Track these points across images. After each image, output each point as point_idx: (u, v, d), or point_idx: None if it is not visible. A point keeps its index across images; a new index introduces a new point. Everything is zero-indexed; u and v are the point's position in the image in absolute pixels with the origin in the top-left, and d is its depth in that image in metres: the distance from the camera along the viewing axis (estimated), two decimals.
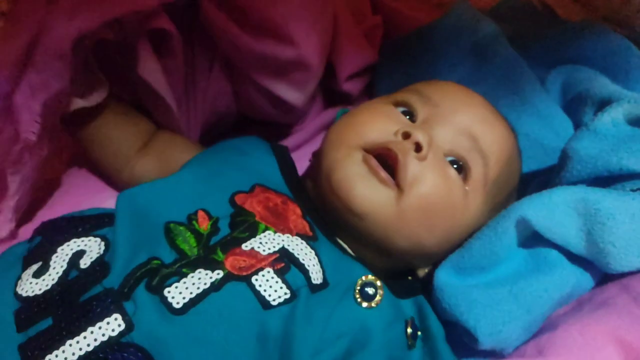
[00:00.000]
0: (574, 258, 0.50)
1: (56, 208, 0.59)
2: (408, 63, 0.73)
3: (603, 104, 0.61)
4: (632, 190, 0.50)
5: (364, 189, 0.47)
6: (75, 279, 0.43)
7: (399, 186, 0.47)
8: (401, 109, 0.52)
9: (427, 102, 0.52)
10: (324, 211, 0.50)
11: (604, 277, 0.51)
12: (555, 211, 0.48)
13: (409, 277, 0.54)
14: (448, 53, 0.72)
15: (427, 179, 0.47)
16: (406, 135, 0.48)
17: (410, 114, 0.52)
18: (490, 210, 0.52)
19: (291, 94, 0.62)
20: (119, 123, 0.60)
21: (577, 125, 0.65)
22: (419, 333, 0.47)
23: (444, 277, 0.49)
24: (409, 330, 0.46)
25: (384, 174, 0.47)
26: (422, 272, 0.54)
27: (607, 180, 0.52)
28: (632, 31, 0.75)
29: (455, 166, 0.49)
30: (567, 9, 0.83)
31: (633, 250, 0.48)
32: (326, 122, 0.71)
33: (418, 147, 0.47)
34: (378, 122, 0.50)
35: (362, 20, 0.75)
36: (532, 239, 0.50)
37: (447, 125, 0.50)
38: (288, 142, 0.68)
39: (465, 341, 0.49)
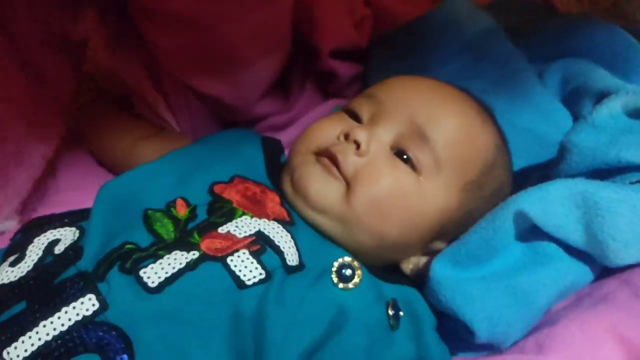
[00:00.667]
0: (572, 251, 0.49)
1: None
2: (401, 57, 0.73)
3: (602, 96, 0.60)
4: (631, 183, 0.50)
5: (318, 184, 0.50)
6: (50, 263, 0.44)
7: (346, 182, 0.49)
8: (350, 113, 0.55)
9: (373, 101, 0.54)
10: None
11: (603, 271, 0.50)
12: (553, 204, 0.47)
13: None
14: (443, 47, 0.72)
15: (369, 172, 0.49)
16: (347, 136, 0.51)
17: (357, 117, 0.54)
18: (461, 190, 0.52)
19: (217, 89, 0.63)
20: (126, 121, 0.65)
21: (577, 118, 0.64)
22: (401, 313, 0.47)
23: (440, 270, 0.48)
24: (390, 311, 0.46)
25: (335, 170, 0.50)
26: (407, 267, 0.54)
27: (605, 172, 0.51)
28: (630, 23, 0.74)
29: (405, 157, 0.51)
30: (565, 2, 0.82)
31: (633, 244, 0.47)
32: (321, 115, 0.71)
33: (358, 145, 0.50)
34: (325, 128, 0.54)
35: (352, 11, 0.75)
36: (530, 232, 0.49)
37: (390, 119, 0.52)
38: (282, 136, 0.68)
39: (463, 335, 0.48)
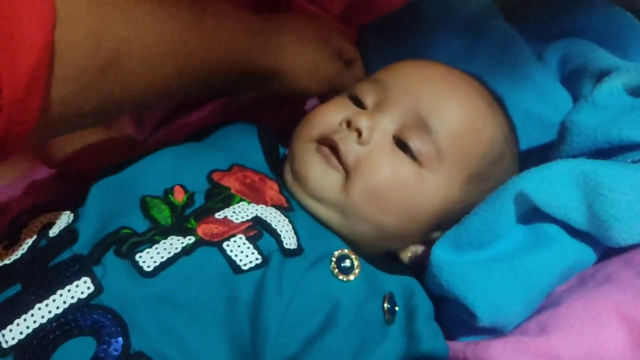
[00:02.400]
0: (574, 232, 0.48)
1: None
2: (398, 41, 0.72)
3: (602, 75, 0.60)
4: (634, 162, 0.49)
5: (317, 174, 0.50)
6: (45, 246, 0.44)
7: (346, 172, 0.49)
8: (354, 99, 0.54)
9: (378, 87, 0.53)
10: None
11: (606, 251, 0.50)
12: (554, 184, 0.47)
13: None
14: (439, 29, 0.70)
15: (370, 162, 0.49)
16: (349, 123, 0.50)
17: (361, 103, 0.53)
18: (464, 182, 0.51)
19: None
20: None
21: (577, 98, 0.64)
22: (397, 308, 0.47)
23: (441, 254, 0.48)
24: (386, 305, 0.46)
25: (334, 160, 0.49)
26: (405, 256, 0.53)
27: (607, 152, 0.51)
28: (630, 2, 0.73)
29: (406, 147, 0.50)
30: None
31: (636, 223, 0.46)
32: None
33: (360, 133, 0.49)
34: (327, 115, 0.53)
35: None
36: (531, 214, 0.49)
37: (394, 107, 0.51)
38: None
39: (465, 319, 0.48)
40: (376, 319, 0.45)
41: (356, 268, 0.46)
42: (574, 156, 0.51)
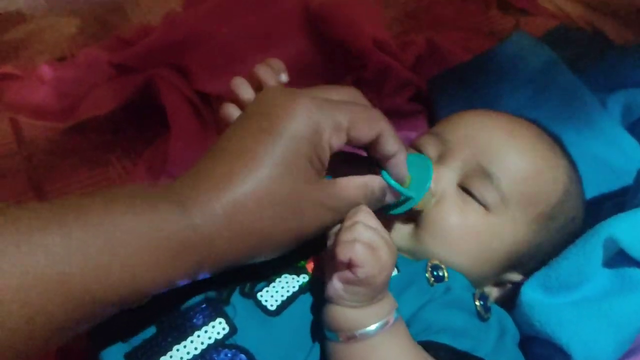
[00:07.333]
0: None
1: None
2: (466, 92, 0.75)
3: None
4: None
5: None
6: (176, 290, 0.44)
7: (415, 221, 0.51)
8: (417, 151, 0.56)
9: (439, 140, 0.55)
10: None
11: None
12: None
13: None
14: (507, 79, 0.74)
15: (439, 212, 0.51)
16: None
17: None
18: (531, 223, 0.53)
19: None
20: None
21: None
22: (490, 304, 0.48)
23: (532, 294, 0.49)
24: (477, 302, 0.48)
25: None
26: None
27: None
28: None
29: (471, 195, 0.52)
30: (619, 34, 0.84)
31: None
32: None
33: None
34: None
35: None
36: (616, 258, 0.50)
37: (455, 159, 0.53)
38: None
39: None
40: (467, 307, 0.47)
41: (446, 278, 0.48)
42: None
